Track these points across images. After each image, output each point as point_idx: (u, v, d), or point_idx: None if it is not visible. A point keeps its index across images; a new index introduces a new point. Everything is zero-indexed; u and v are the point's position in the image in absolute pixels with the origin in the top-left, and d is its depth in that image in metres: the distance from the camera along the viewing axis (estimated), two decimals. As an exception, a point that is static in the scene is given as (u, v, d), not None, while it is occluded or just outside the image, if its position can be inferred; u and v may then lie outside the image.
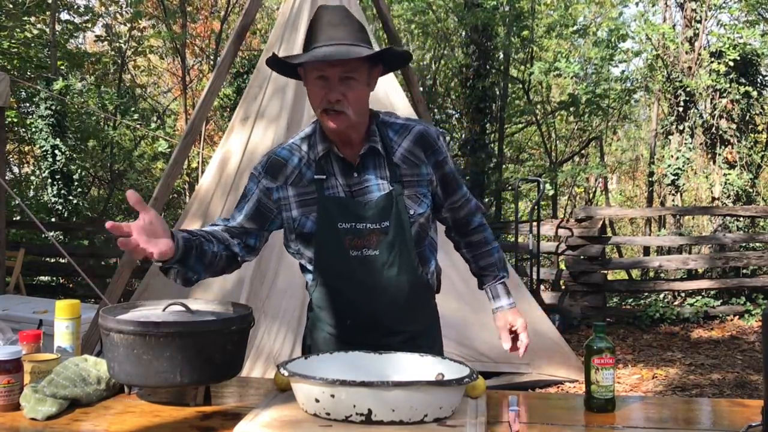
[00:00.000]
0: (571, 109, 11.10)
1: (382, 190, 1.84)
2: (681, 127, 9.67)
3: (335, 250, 1.83)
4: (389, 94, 5.34)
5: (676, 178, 9.57)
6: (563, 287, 8.10)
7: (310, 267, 1.91)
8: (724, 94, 9.40)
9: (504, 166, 12.41)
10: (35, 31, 11.06)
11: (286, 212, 1.87)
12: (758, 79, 9.58)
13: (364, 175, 1.85)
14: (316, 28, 1.77)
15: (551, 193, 11.89)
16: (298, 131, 1.98)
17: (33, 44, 10.91)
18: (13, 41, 10.41)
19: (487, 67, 11.17)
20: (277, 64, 1.86)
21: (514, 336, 1.99)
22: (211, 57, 12.71)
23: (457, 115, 13.66)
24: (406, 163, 1.86)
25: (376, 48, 1.86)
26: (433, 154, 1.89)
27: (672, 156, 9.65)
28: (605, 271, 8.11)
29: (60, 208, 9.89)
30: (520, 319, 1.99)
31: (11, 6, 10.34)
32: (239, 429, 1.46)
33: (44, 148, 9.70)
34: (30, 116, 10.34)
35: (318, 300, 1.95)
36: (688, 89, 9.53)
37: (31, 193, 11.01)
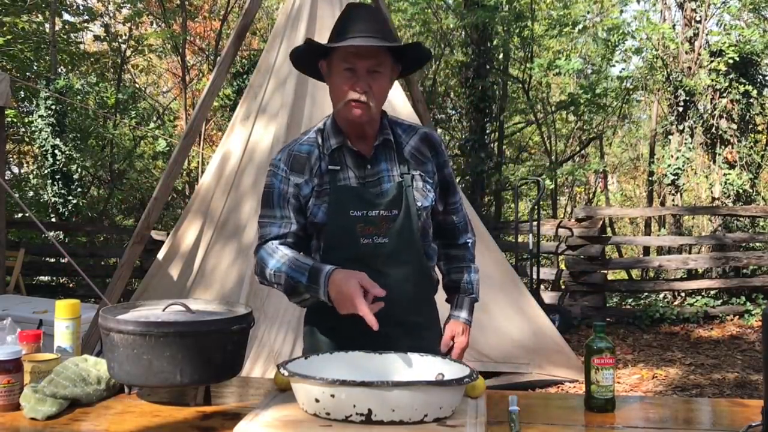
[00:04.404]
0: (571, 108, 11.10)
1: (393, 181, 1.92)
2: (681, 127, 9.67)
3: (346, 237, 1.88)
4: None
5: (676, 178, 9.57)
6: (563, 287, 8.09)
7: (317, 257, 1.93)
8: (724, 94, 9.40)
9: (504, 165, 12.40)
10: (34, 26, 11.06)
11: (306, 204, 1.92)
12: (758, 79, 9.57)
13: (377, 167, 1.93)
14: (346, 22, 1.86)
15: (551, 187, 11.88)
16: (310, 127, 2.03)
17: (31, 42, 10.90)
18: (10, 37, 10.40)
19: (487, 66, 11.17)
20: (303, 54, 1.94)
21: (451, 348, 2.04)
22: (211, 57, 12.71)
23: (457, 115, 13.66)
24: (414, 159, 1.96)
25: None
26: (436, 155, 2.00)
27: (672, 156, 9.65)
28: (605, 271, 8.11)
29: (60, 208, 9.89)
30: (464, 338, 2.04)
31: (9, 2, 10.34)
32: (239, 429, 1.46)
33: (44, 148, 9.71)
34: (30, 116, 10.34)
35: None
36: (687, 89, 9.52)
37: (30, 193, 11.01)
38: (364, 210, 1.88)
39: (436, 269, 2.07)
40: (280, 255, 1.85)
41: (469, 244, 2.13)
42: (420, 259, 1.95)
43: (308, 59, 1.96)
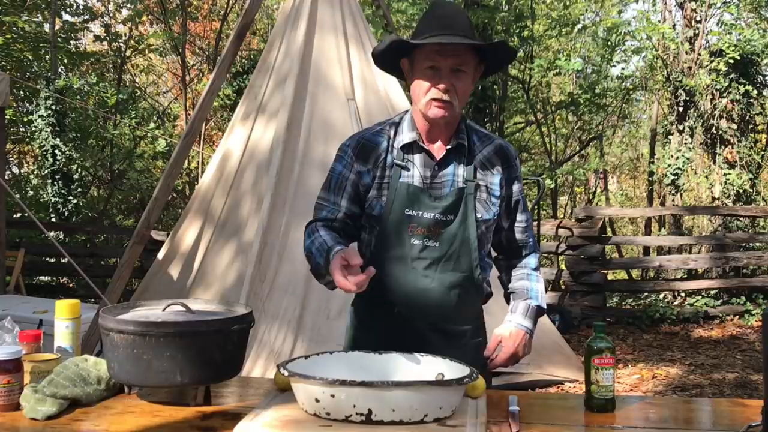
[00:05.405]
0: (571, 108, 11.10)
1: (456, 187, 1.88)
2: (681, 127, 9.67)
3: (397, 235, 1.86)
4: (389, 93, 5.34)
5: (676, 178, 9.57)
6: (563, 287, 8.09)
7: (368, 252, 1.92)
8: (724, 94, 9.40)
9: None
10: (33, 26, 11.05)
11: (365, 193, 1.91)
12: (758, 79, 9.58)
13: (444, 170, 1.89)
14: (430, 19, 1.83)
15: (551, 187, 11.87)
16: (386, 119, 2.00)
17: (31, 42, 10.90)
18: (10, 36, 10.39)
19: (487, 66, 11.16)
20: (385, 52, 1.89)
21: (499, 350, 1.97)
22: (211, 57, 12.71)
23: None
24: (483, 169, 1.91)
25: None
26: (508, 169, 1.95)
27: (672, 156, 9.65)
28: (605, 271, 8.11)
29: (60, 208, 9.89)
30: (512, 344, 1.94)
31: (9, 2, 10.34)
32: (239, 429, 1.46)
33: (44, 148, 9.71)
34: (30, 116, 10.34)
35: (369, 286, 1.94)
36: (687, 89, 9.53)
37: (30, 193, 11.00)
38: (419, 211, 1.85)
39: (490, 281, 2.01)
40: (314, 236, 1.85)
41: (535, 263, 2.06)
42: (471, 270, 1.90)
43: (390, 57, 1.92)
